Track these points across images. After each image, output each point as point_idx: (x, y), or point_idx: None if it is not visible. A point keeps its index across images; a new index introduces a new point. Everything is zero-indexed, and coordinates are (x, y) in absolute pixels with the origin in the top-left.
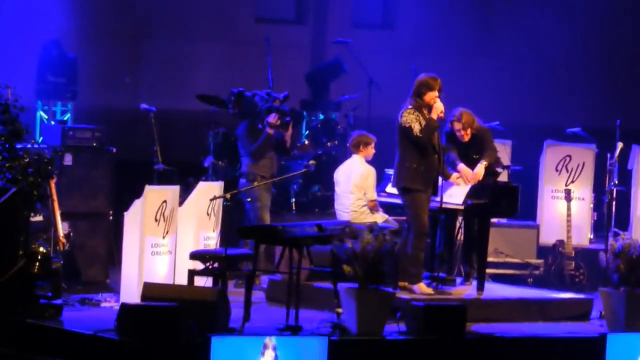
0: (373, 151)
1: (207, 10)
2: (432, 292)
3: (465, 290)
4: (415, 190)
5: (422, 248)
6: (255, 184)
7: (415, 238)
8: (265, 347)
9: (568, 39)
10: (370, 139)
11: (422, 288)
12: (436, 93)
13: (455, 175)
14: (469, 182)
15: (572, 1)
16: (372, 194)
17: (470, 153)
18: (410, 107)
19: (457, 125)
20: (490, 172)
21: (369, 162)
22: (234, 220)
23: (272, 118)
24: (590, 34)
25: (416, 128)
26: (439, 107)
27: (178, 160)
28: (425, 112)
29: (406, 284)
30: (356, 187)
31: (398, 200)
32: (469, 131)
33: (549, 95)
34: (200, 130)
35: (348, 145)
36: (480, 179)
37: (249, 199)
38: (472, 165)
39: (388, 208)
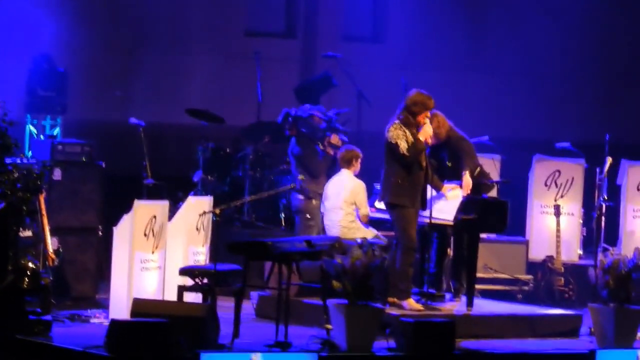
0: (359, 166)
1: (198, 24)
2: (422, 308)
3: (454, 306)
4: (402, 206)
5: (411, 263)
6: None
7: (403, 253)
8: None
9: (558, 53)
10: (359, 154)
11: (412, 304)
12: (428, 113)
13: (447, 186)
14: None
15: (564, 16)
16: (366, 209)
17: (444, 160)
18: (397, 121)
19: None
20: (479, 183)
21: (357, 176)
22: (224, 235)
23: (335, 139)
24: (581, 48)
25: (403, 145)
26: (428, 132)
27: (167, 175)
28: (414, 130)
29: (395, 299)
30: (345, 203)
31: (387, 216)
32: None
33: (539, 110)
34: (189, 144)
35: (337, 159)
36: (470, 187)
37: (308, 216)
38: (447, 172)
39: (377, 223)
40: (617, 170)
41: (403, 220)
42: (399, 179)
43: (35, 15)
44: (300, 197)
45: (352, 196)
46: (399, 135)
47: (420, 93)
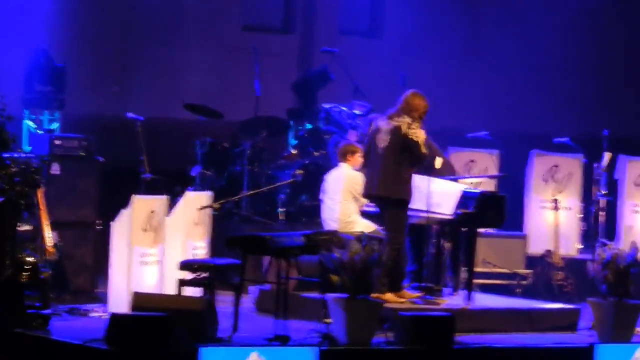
0: (360, 160)
1: (195, 18)
2: (403, 301)
3: (453, 300)
4: (407, 203)
5: (400, 259)
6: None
7: (394, 249)
8: None
9: (556, 48)
10: (356, 148)
11: (391, 298)
12: None
13: None
14: None
15: (561, 10)
16: (363, 200)
17: None
18: (413, 121)
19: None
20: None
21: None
22: (222, 230)
23: (352, 136)
24: (579, 42)
25: (423, 145)
26: (423, 137)
27: (165, 169)
28: None
29: (377, 295)
30: (343, 196)
31: None
32: None
33: (537, 104)
34: (187, 139)
35: (336, 154)
36: None
37: None
38: None
39: (375, 218)
40: (615, 165)
41: (405, 217)
42: (405, 175)
43: (33, 10)
44: None
45: (349, 188)
46: (420, 135)
47: (423, 97)
